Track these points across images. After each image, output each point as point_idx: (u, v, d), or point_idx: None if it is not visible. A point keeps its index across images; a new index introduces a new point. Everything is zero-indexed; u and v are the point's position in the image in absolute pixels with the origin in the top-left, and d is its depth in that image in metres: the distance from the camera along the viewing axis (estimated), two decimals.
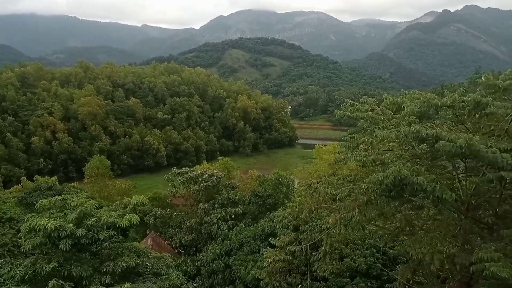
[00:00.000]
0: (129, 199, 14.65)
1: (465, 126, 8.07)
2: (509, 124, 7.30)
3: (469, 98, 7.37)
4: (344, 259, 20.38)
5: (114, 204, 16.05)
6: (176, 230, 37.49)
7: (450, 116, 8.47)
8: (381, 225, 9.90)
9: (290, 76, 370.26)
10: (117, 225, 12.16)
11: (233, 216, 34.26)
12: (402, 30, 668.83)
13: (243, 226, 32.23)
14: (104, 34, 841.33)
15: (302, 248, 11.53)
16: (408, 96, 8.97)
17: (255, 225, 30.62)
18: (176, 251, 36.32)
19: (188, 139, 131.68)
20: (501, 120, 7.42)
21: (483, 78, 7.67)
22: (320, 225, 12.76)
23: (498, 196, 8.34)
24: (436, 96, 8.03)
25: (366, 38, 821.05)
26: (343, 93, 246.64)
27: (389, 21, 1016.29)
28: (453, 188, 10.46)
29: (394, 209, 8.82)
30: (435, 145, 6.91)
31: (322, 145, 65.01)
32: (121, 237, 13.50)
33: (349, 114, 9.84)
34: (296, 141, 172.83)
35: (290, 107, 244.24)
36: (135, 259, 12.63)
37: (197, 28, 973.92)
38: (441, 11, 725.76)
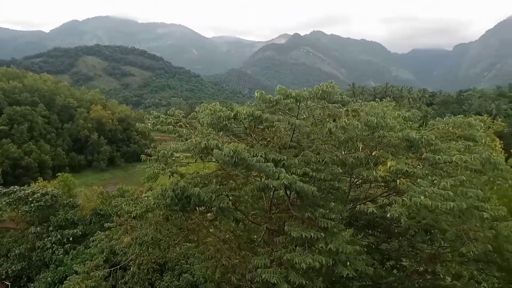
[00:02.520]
0: None
1: (252, 137, 8.56)
2: (290, 136, 7.97)
3: (244, 111, 7.82)
4: (183, 274, 20.12)
5: None
6: (2, 259, 32.50)
7: (241, 128, 8.91)
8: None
9: (152, 87, 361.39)
10: None
11: (71, 239, 31.17)
12: (259, 49, 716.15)
13: (82, 248, 29.54)
14: None
15: (111, 272, 10.81)
16: (208, 107, 9.13)
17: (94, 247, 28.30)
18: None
19: (30, 153, 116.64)
20: (278, 132, 8.09)
21: (256, 93, 8.26)
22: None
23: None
24: (223, 109, 8.35)
25: (227, 55, 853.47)
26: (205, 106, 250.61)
27: (248, 40, 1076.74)
28: (259, 198, 11.08)
29: (194, 223, 8.87)
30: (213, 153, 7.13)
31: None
32: None
33: (151, 127, 9.61)
34: None
35: (150, 118, 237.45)
36: None
37: (47, 31, 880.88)
38: (292, 34, 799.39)
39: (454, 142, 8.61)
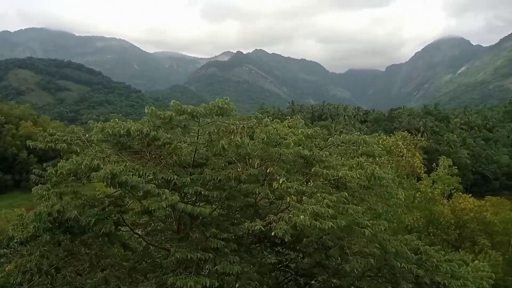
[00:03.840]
0: None
1: (147, 155, 8.25)
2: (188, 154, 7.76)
3: (133, 128, 7.52)
4: None
5: None
6: None
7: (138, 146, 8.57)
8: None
9: (89, 102, 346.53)
10: None
11: None
12: (203, 65, 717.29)
13: None
14: None
15: None
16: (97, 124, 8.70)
17: None
18: None
19: None
20: (176, 149, 7.88)
21: (147, 110, 8.03)
22: None
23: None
24: (115, 125, 7.96)
25: (169, 70, 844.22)
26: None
27: (191, 56, 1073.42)
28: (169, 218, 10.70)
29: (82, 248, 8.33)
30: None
31: None
32: None
33: (42, 145, 8.99)
34: None
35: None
36: None
37: None
38: (235, 52, 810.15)
39: (355, 159, 8.84)
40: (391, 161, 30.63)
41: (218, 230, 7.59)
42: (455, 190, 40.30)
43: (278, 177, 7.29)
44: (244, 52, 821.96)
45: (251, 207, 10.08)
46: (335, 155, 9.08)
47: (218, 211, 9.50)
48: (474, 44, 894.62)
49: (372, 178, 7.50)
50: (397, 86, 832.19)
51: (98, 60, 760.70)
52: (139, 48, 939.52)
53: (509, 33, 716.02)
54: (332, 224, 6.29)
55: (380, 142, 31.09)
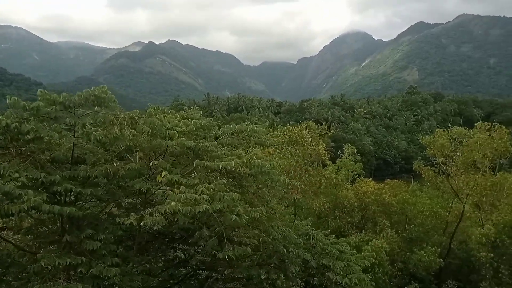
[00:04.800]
0: None
1: (13, 152, 7.38)
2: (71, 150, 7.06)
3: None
4: None
5: None
6: None
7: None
8: None
9: None
10: None
11: None
12: (112, 56, 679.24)
13: None
14: None
15: None
16: None
17: None
18: None
19: None
20: (49, 145, 7.17)
21: (8, 100, 7.21)
22: None
23: None
24: None
25: (75, 61, 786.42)
26: None
27: (98, 46, 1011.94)
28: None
29: None
30: None
31: None
32: None
33: None
34: None
35: None
36: None
37: None
38: (147, 42, 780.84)
39: (244, 149, 8.78)
40: (297, 150, 31.65)
41: (94, 231, 7.04)
42: (357, 175, 43.20)
43: (162, 171, 6.96)
44: (157, 43, 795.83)
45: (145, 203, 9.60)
46: (227, 146, 8.97)
47: (106, 210, 8.88)
48: (376, 39, 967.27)
49: (252, 166, 7.51)
50: (308, 78, 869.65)
51: None
52: (39, 37, 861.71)
53: (405, 29, 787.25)
54: (208, 206, 6.17)
55: (287, 132, 31.95)
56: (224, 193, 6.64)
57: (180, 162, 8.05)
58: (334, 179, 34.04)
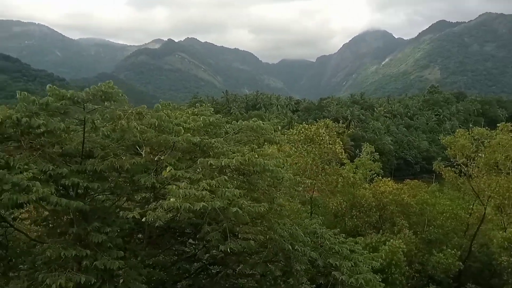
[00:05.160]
0: None
1: (24, 145, 7.48)
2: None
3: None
4: None
5: None
6: None
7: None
8: None
9: (7, 91, 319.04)
10: None
11: None
12: (132, 53, 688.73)
13: None
14: None
15: None
16: None
17: None
18: None
19: None
20: (60, 138, 7.24)
21: (18, 95, 7.28)
22: None
23: None
24: None
25: (96, 58, 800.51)
26: None
27: (119, 43, 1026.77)
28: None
29: None
30: None
31: None
32: None
33: None
34: None
35: None
36: None
37: None
38: (166, 39, 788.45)
39: (250, 146, 8.69)
40: (313, 148, 31.43)
41: (101, 224, 7.09)
42: (376, 175, 42.61)
43: (167, 166, 6.94)
44: (176, 40, 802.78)
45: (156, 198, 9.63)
46: (235, 143, 8.90)
47: (117, 203, 8.93)
48: (396, 37, 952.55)
49: (254, 164, 7.41)
50: (327, 76, 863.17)
51: (15, 46, 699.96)
52: (61, 33, 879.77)
53: (426, 27, 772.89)
54: (205, 204, 6.12)
55: (303, 130, 31.75)
56: (226, 189, 6.57)
57: (187, 158, 8.02)
58: (352, 178, 33.70)
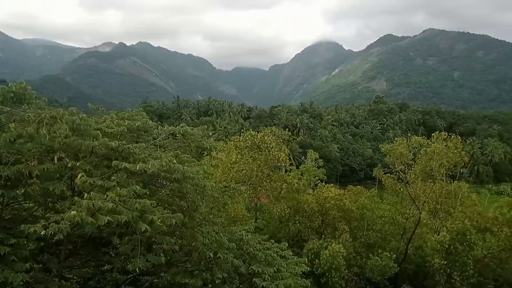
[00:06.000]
0: None
1: None
2: None
3: None
4: None
5: None
6: None
7: None
8: None
9: None
10: None
11: None
12: (81, 55, 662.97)
13: None
14: None
15: None
16: None
17: None
18: None
19: None
20: None
21: None
22: None
23: None
24: None
25: (41, 59, 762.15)
26: None
27: (67, 45, 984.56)
28: None
29: None
30: None
31: None
32: None
33: None
34: None
35: None
36: None
37: None
38: (117, 43, 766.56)
39: (174, 152, 8.50)
40: (260, 155, 31.67)
41: (7, 235, 6.64)
42: (320, 181, 43.63)
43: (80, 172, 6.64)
44: (128, 44, 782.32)
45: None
46: (161, 149, 8.70)
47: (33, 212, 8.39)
48: (346, 49, 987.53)
49: (173, 171, 7.28)
50: (280, 85, 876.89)
51: None
52: (3, 33, 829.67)
53: (374, 40, 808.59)
54: (109, 218, 5.90)
55: (249, 137, 31.92)
56: (136, 200, 6.35)
57: (104, 164, 7.68)
58: (296, 185, 34.24)
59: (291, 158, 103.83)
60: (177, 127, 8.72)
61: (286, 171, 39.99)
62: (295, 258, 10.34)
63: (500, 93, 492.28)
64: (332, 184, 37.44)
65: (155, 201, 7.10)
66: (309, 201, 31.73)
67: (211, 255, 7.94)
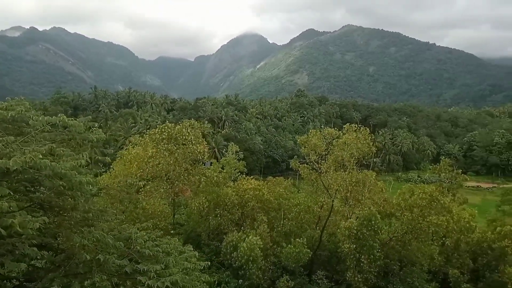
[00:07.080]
0: None
1: None
2: None
3: None
4: None
5: None
6: None
7: None
8: None
9: None
10: None
11: None
12: None
13: None
14: None
15: None
16: None
17: None
18: None
19: None
20: None
21: None
22: None
23: None
24: None
25: None
26: None
27: None
28: None
29: None
30: None
31: None
32: None
33: None
34: None
35: None
36: None
37: None
38: (28, 27, 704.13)
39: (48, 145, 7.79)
40: (177, 148, 31.00)
41: None
42: (240, 173, 43.93)
43: None
44: (40, 29, 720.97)
45: None
46: (40, 143, 7.90)
47: None
48: (270, 42, 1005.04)
49: (40, 167, 6.66)
50: (205, 77, 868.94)
51: None
52: None
53: (297, 34, 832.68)
54: None
55: (165, 129, 31.10)
56: None
57: None
58: (215, 178, 34.06)
59: (216, 151, 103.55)
60: (54, 117, 7.95)
61: (211, 163, 39.57)
62: (193, 253, 10.09)
63: (410, 87, 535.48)
64: (255, 176, 37.85)
65: (27, 201, 6.41)
66: (229, 194, 31.76)
67: (88, 256, 7.41)
